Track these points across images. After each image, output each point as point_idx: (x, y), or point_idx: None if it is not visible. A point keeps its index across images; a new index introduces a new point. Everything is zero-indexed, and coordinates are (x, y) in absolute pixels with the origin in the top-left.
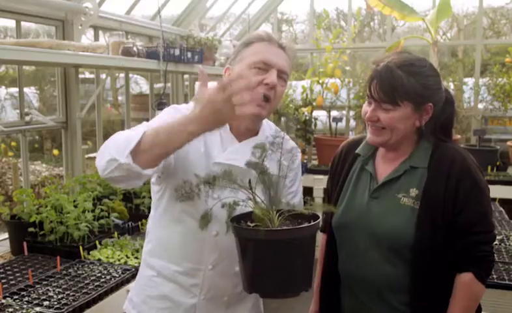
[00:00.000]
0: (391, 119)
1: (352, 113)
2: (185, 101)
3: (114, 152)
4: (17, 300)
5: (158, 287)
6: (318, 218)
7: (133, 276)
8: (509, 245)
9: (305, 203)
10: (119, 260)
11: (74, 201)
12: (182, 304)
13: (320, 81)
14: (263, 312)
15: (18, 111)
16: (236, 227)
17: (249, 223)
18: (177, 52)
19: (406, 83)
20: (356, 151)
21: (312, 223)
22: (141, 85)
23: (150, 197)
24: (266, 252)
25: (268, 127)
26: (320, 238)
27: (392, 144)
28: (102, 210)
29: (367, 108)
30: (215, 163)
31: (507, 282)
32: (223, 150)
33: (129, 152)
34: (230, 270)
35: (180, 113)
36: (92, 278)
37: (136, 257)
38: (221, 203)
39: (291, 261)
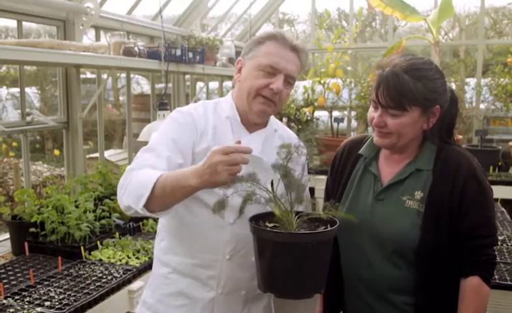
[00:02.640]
0: (399, 124)
1: (353, 113)
2: (186, 101)
3: (130, 201)
4: (19, 301)
5: (174, 284)
6: (336, 223)
7: (135, 277)
8: (511, 246)
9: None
10: (120, 260)
11: (75, 201)
12: (200, 300)
13: (322, 82)
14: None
15: (19, 111)
16: (255, 227)
17: (267, 224)
18: (178, 52)
19: (414, 88)
20: (359, 152)
21: (330, 228)
22: (142, 85)
23: None
24: (284, 253)
25: (274, 122)
26: None
27: (399, 147)
28: (103, 210)
29: (373, 114)
30: None
31: (508, 283)
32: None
33: (142, 205)
34: (247, 261)
35: (184, 117)
36: (93, 278)
37: (137, 258)
38: (243, 193)
39: (307, 264)
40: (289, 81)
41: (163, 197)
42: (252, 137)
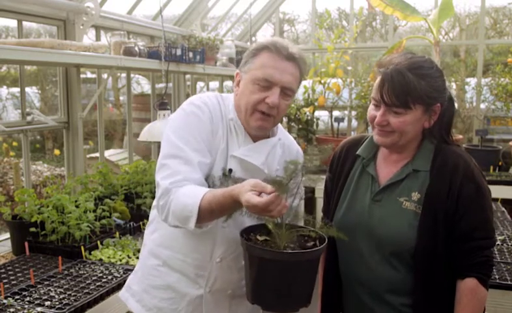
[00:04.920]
0: (402, 122)
1: (353, 113)
2: None
3: (178, 223)
4: (19, 300)
5: (163, 276)
6: (325, 240)
7: None
8: (511, 246)
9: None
10: (120, 260)
11: (76, 201)
12: (187, 295)
13: (322, 81)
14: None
15: (20, 111)
16: (245, 242)
17: (258, 237)
18: (179, 52)
19: (418, 86)
20: (357, 152)
21: (318, 247)
22: (142, 84)
23: (152, 198)
24: (271, 270)
25: (280, 129)
26: None
27: (400, 146)
28: (104, 210)
29: (374, 112)
30: (232, 156)
31: (509, 282)
32: (239, 147)
33: (193, 226)
34: (238, 264)
35: (203, 111)
36: (93, 278)
37: (137, 257)
38: None
39: (294, 281)
40: (286, 92)
41: (211, 216)
42: (256, 146)
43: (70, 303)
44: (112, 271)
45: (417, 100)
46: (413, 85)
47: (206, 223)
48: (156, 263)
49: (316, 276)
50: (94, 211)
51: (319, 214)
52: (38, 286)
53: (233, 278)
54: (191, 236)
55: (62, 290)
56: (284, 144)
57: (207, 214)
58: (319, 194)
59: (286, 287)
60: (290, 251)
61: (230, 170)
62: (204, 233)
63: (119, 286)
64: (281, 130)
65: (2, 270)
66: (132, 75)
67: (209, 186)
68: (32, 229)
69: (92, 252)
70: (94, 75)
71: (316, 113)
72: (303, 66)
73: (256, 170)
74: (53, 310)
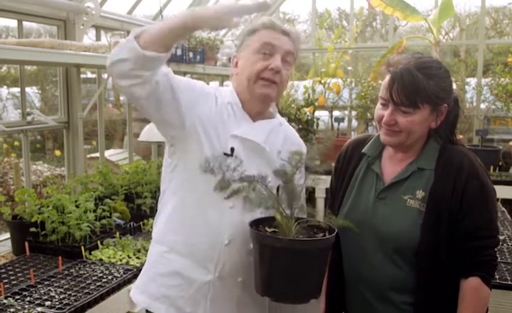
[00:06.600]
0: (410, 122)
1: (354, 113)
2: None
3: (122, 42)
4: (19, 301)
5: (170, 263)
6: (334, 231)
7: (135, 276)
8: (511, 245)
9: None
10: (121, 260)
11: (76, 201)
12: (195, 281)
13: (322, 81)
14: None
15: (20, 111)
16: (254, 232)
17: (267, 229)
18: (179, 52)
19: (427, 86)
20: (363, 151)
21: (329, 236)
22: None
23: (152, 198)
24: (282, 259)
25: (280, 117)
26: None
27: (408, 145)
28: (104, 210)
29: (381, 112)
30: (233, 136)
31: (509, 282)
32: (238, 127)
33: (133, 36)
34: (246, 247)
35: (201, 83)
36: (93, 278)
37: (138, 257)
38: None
39: (305, 271)
40: (287, 60)
41: (159, 37)
42: (256, 125)
43: (70, 303)
44: (112, 271)
45: (426, 100)
46: (422, 85)
47: (157, 47)
48: (162, 250)
49: (326, 267)
50: (94, 211)
51: (319, 213)
52: (38, 286)
53: (243, 261)
54: (197, 218)
55: (62, 290)
56: (286, 130)
57: (151, 33)
58: (319, 194)
59: (296, 277)
60: (300, 238)
61: (232, 149)
62: (210, 214)
63: (119, 286)
64: (282, 118)
65: (3, 270)
66: None
67: (208, 169)
68: (33, 229)
69: (92, 252)
70: (94, 75)
71: (317, 113)
72: (298, 43)
73: (258, 149)
74: (53, 310)
